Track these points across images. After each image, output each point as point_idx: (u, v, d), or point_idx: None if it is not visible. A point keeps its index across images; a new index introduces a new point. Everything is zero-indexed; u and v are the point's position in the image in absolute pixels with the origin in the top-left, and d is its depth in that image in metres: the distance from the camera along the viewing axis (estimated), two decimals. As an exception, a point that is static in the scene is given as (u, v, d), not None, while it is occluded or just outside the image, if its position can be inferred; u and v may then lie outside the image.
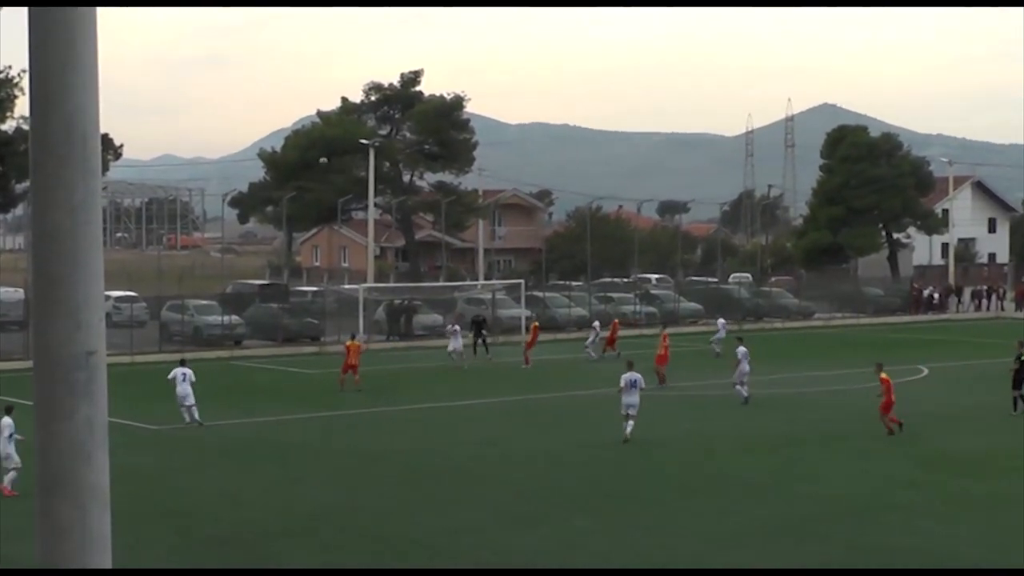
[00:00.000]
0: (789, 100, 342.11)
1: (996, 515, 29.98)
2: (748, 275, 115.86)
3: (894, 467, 36.16)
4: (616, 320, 70.16)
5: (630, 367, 40.92)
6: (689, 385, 54.78)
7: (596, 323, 70.25)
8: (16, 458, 32.50)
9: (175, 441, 41.19)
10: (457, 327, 64.88)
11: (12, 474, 32.61)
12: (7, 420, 33.11)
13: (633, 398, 39.99)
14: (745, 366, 49.17)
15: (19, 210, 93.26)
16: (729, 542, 27.51)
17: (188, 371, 43.90)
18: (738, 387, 48.85)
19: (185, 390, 43.27)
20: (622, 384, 40.23)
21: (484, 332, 69.37)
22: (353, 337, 57.53)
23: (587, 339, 68.08)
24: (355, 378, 52.93)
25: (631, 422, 39.69)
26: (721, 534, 28.24)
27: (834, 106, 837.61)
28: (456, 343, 62.80)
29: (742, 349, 49.95)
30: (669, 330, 62.46)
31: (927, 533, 28.45)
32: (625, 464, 36.80)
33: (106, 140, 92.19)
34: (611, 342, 66.23)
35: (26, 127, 65.59)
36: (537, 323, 69.00)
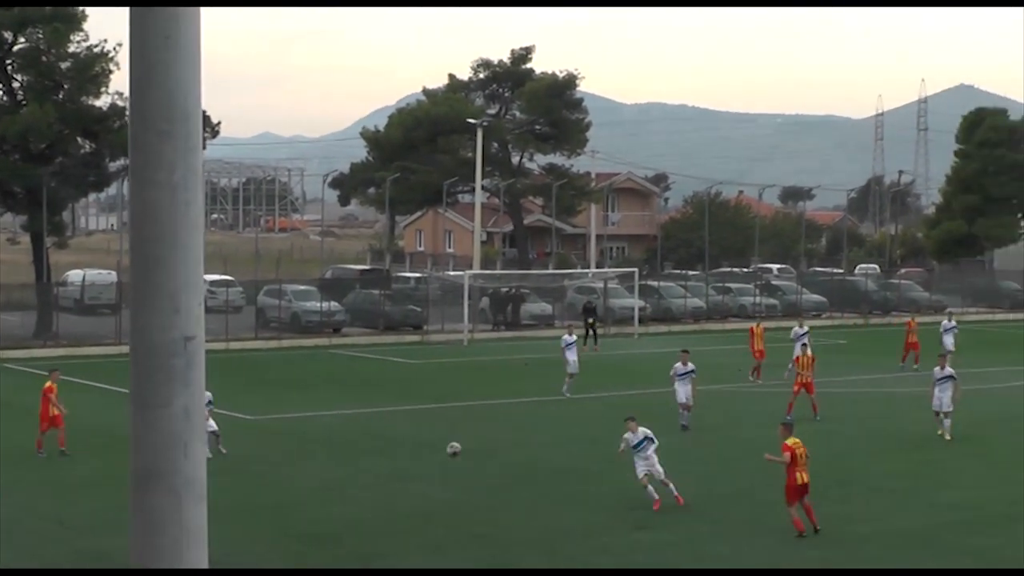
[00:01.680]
0: (922, 81, 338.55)
1: None
2: (875, 266, 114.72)
3: (1031, 473, 35.65)
4: None
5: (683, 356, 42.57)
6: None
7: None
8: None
9: (272, 432, 41.48)
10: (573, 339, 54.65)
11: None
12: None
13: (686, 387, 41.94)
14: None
15: (112, 189, 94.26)
16: (854, 550, 27.26)
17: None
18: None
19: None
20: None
21: (593, 321, 69.29)
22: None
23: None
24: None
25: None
26: (849, 540, 27.98)
27: (971, 87, 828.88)
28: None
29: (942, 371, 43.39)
30: (791, 323, 61.51)
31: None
32: (740, 465, 36.57)
33: (204, 117, 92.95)
34: None
35: (121, 103, 66.66)
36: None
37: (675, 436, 41.15)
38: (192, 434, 5.52)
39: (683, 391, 42.34)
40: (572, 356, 51.12)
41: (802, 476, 28.13)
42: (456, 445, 33.08)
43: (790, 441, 28.39)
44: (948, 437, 40.47)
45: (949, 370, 42.05)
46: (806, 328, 57.38)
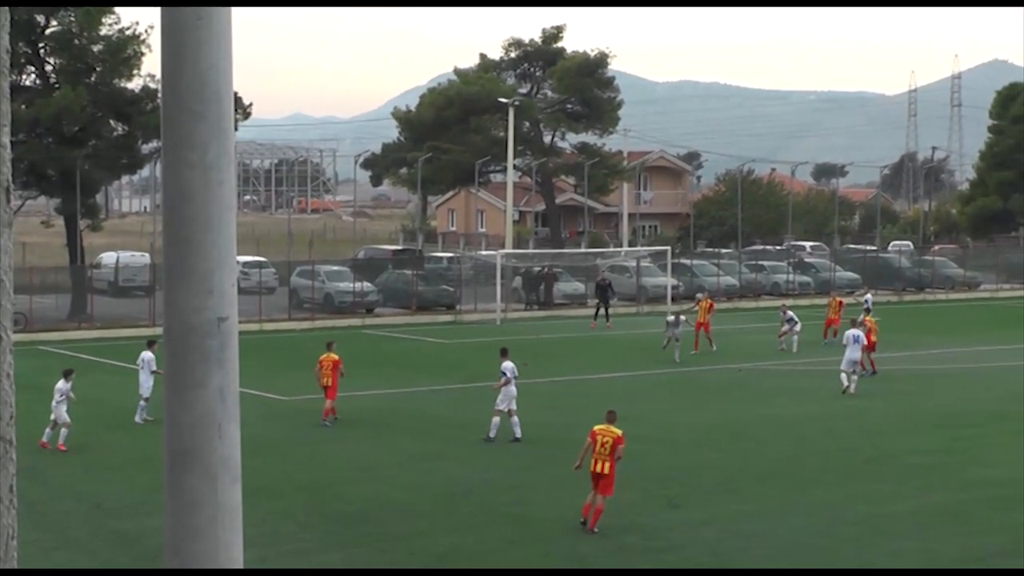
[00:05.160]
0: (956, 56, 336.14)
1: None
2: (909, 243, 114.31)
3: (1067, 449, 35.56)
4: (706, 299, 60.30)
5: (502, 355, 37.88)
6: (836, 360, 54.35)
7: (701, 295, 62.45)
8: (66, 417, 35.33)
9: (305, 413, 41.53)
10: (683, 318, 55.98)
11: (64, 431, 35.36)
12: (61, 383, 35.74)
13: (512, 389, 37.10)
14: (855, 353, 46.18)
15: (146, 171, 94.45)
16: (887, 528, 27.21)
17: (150, 356, 39.64)
18: (843, 375, 45.84)
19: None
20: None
21: (608, 297, 69.60)
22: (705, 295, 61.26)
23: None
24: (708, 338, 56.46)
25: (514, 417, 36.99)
26: (884, 519, 27.94)
27: (1005, 62, 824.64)
28: (675, 330, 54.79)
29: (853, 333, 47.11)
30: (824, 300, 61.45)
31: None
32: (773, 443, 36.58)
33: (236, 98, 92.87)
34: (702, 326, 58.14)
35: (153, 85, 66.80)
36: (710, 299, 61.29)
37: (713, 412, 41.21)
38: (227, 415, 5.54)
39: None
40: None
41: (596, 465, 27.13)
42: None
43: (598, 427, 27.52)
44: (853, 391, 44.98)
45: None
46: (870, 295, 66.02)
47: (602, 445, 27.08)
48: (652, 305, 77.20)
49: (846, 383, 45.40)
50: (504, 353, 37.79)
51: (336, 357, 40.00)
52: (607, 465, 26.97)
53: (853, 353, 46.19)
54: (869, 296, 65.52)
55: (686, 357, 54.39)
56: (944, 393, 45.84)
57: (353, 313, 71.24)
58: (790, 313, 58.71)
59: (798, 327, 57.44)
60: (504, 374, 36.85)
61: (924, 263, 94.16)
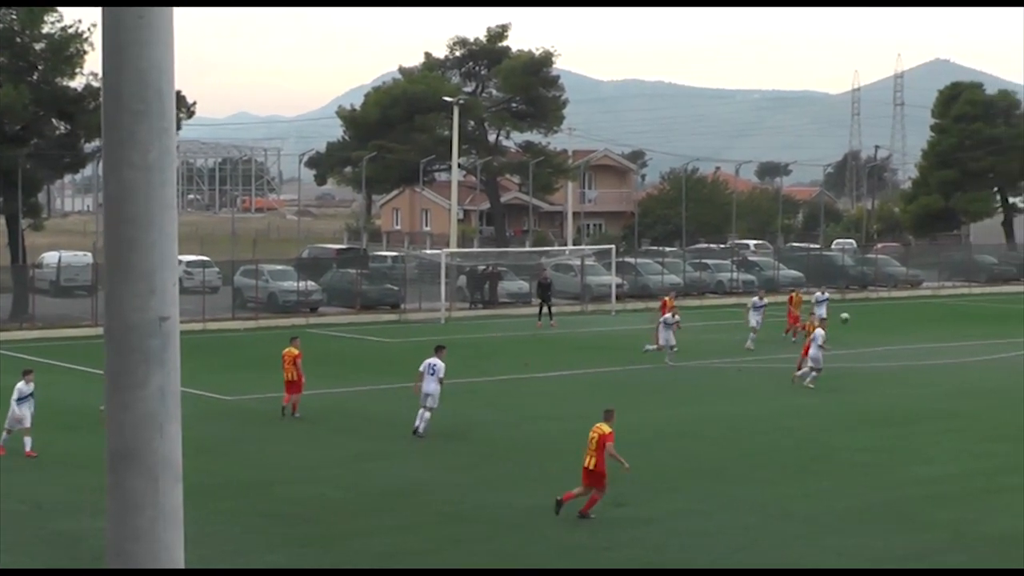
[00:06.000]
0: (899, 56, 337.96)
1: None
2: (852, 241, 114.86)
3: (1006, 446, 35.85)
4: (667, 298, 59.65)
5: (437, 351, 37.86)
6: (785, 358, 54.62)
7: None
8: (28, 421, 34.58)
9: (248, 413, 41.46)
10: (676, 318, 54.44)
11: (29, 439, 34.51)
12: (22, 384, 35.05)
13: (430, 386, 37.03)
14: (816, 352, 46.50)
15: (88, 171, 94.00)
16: (832, 525, 27.37)
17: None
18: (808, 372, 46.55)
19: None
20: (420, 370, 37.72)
21: (550, 296, 69.70)
22: None
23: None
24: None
25: (426, 413, 36.99)
26: (825, 516, 28.11)
27: (947, 62, 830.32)
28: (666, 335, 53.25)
29: (819, 332, 47.38)
30: (768, 299, 61.60)
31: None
32: (716, 441, 36.72)
33: (179, 97, 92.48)
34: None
35: (96, 84, 66.41)
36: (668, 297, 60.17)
37: (660, 411, 41.30)
38: (168, 415, 5.54)
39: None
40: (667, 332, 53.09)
41: (584, 460, 27.98)
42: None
43: (596, 425, 28.20)
44: (811, 387, 45.87)
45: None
46: (827, 295, 65.15)
47: (590, 441, 27.82)
48: (597, 304, 77.32)
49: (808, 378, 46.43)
50: (438, 350, 37.79)
51: (296, 351, 40.55)
52: (592, 460, 27.66)
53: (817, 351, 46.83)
54: (820, 294, 64.97)
55: (641, 356, 54.25)
56: (885, 390, 46.09)
57: (297, 312, 71.00)
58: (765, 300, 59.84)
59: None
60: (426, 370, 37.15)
61: (867, 261, 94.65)
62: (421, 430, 36.71)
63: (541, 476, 31.99)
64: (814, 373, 46.34)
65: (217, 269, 78.24)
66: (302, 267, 77.60)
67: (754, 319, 58.27)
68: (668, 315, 53.72)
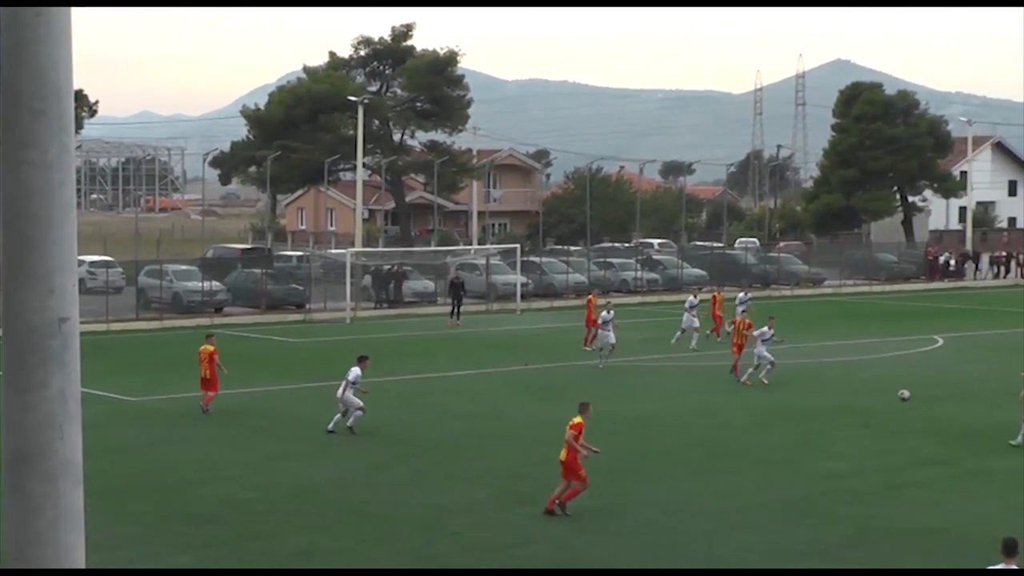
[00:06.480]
0: (800, 56, 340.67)
1: (1015, 492, 30.01)
2: (755, 240, 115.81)
3: (911, 442, 36.26)
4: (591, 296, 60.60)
5: (359, 362, 38.08)
6: (695, 355, 54.94)
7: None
8: None
9: (153, 413, 41.17)
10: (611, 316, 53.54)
11: None
12: None
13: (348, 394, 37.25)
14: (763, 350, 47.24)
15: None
16: (740, 522, 27.54)
17: None
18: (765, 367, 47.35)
19: None
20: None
21: (461, 296, 69.76)
22: None
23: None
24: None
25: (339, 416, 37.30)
26: (733, 513, 28.28)
27: (848, 62, 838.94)
28: (610, 337, 52.33)
29: (763, 330, 47.93)
30: (672, 297, 62.01)
31: (944, 511, 28.52)
32: (623, 438, 36.79)
33: (80, 96, 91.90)
34: (591, 322, 56.90)
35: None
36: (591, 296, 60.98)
37: (572, 410, 41.41)
38: (68, 416, 5.48)
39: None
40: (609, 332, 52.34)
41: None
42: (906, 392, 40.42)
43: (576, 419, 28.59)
44: (766, 382, 46.56)
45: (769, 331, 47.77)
46: (749, 296, 63.95)
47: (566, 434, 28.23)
48: (502, 303, 77.40)
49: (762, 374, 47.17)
50: (361, 360, 37.91)
51: (212, 349, 40.55)
52: (564, 452, 28.11)
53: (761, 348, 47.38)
54: (743, 295, 64.18)
55: (577, 354, 54.27)
56: (791, 387, 46.41)
57: (202, 312, 70.54)
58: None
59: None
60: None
61: (770, 260, 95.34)
62: (331, 427, 36.95)
63: (453, 474, 31.99)
64: (769, 367, 47.00)
65: (120, 269, 77.55)
66: (207, 267, 77.11)
67: (687, 319, 58.00)
68: (606, 313, 53.24)
